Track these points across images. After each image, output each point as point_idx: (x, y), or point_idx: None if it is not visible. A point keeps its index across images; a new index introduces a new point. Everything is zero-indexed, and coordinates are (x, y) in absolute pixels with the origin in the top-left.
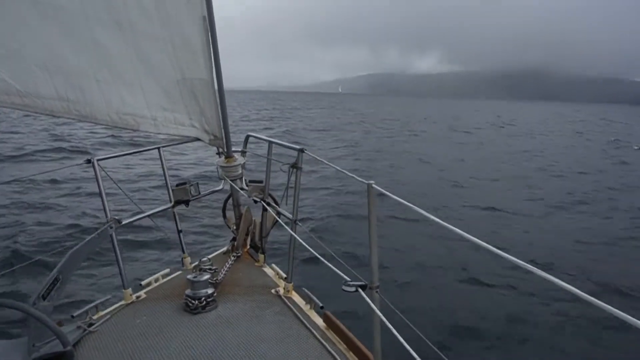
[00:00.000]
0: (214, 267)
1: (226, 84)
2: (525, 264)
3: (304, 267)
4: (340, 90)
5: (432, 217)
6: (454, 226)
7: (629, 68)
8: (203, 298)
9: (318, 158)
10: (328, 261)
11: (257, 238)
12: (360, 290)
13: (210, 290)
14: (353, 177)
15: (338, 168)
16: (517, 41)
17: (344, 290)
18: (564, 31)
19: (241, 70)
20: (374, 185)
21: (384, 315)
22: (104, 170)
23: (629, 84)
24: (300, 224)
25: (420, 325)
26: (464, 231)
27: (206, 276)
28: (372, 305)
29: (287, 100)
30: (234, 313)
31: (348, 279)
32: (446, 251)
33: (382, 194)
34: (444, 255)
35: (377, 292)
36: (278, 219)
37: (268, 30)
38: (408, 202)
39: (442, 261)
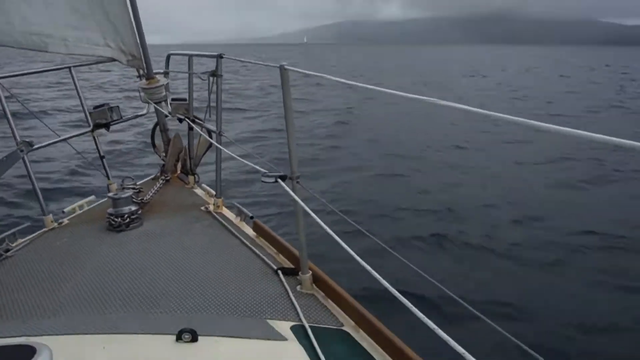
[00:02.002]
0: (138, 186)
1: (190, 38)
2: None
3: (236, 187)
4: (305, 40)
5: (348, 81)
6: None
7: (600, 9)
8: (126, 215)
9: (240, 60)
10: (254, 166)
11: (188, 165)
12: (279, 180)
13: (134, 207)
14: (265, 64)
15: (252, 61)
16: None
17: (263, 182)
18: None
19: (205, 24)
20: (286, 67)
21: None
22: (8, 91)
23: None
24: (226, 136)
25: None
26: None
27: (128, 193)
28: (293, 194)
29: (253, 54)
30: (160, 229)
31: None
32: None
33: (296, 72)
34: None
35: (297, 182)
36: (211, 140)
37: None
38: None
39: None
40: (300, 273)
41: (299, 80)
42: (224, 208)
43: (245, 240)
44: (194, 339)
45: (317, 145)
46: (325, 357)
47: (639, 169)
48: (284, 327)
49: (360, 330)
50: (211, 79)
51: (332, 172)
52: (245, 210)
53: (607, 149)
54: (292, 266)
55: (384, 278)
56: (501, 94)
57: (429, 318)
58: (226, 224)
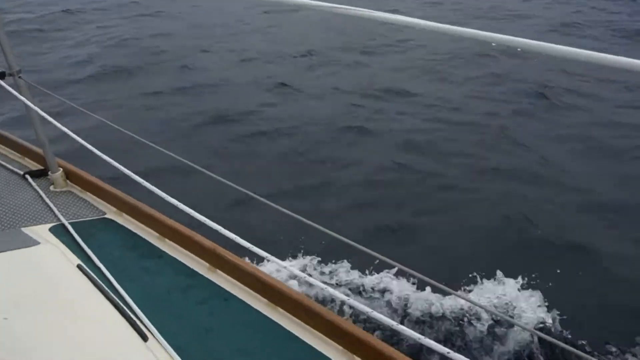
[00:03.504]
0: None
1: None
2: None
3: None
4: None
5: None
6: None
7: None
8: None
9: None
10: None
11: None
12: None
13: None
14: None
15: None
16: None
17: None
18: None
19: None
20: None
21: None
22: None
23: None
24: None
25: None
26: None
27: None
28: (17, 94)
29: None
30: None
31: None
32: None
33: None
34: None
35: (19, 77)
36: None
37: None
38: None
39: None
40: (49, 172)
41: None
42: None
43: None
44: None
45: None
46: (90, 248)
47: None
48: (41, 231)
49: (124, 214)
50: None
51: None
52: None
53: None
54: (40, 167)
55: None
56: None
57: None
58: None
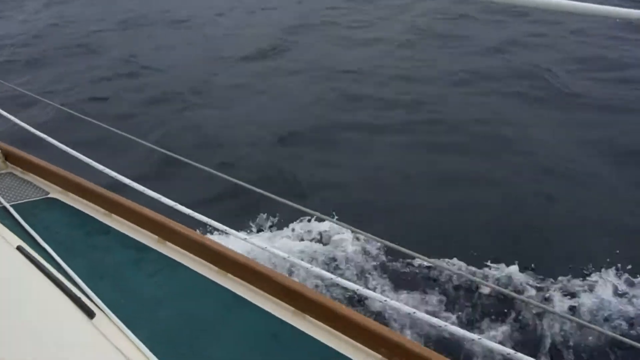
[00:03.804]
0: None
1: None
2: None
3: None
4: None
5: None
6: None
7: None
8: None
9: None
10: None
11: None
12: None
13: None
14: None
15: None
16: None
17: None
18: None
19: None
20: None
21: None
22: None
23: None
24: None
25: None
26: None
27: None
28: None
29: None
30: None
31: None
32: None
33: None
34: None
35: None
36: None
37: None
38: None
39: None
40: None
41: None
42: None
43: None
44: None
45: None
46: (34, 229)
47: None
48: None
49: (69, 193)
50: None
51: None
52: None
53: None
54: None
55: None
56: None
57: None
58: None
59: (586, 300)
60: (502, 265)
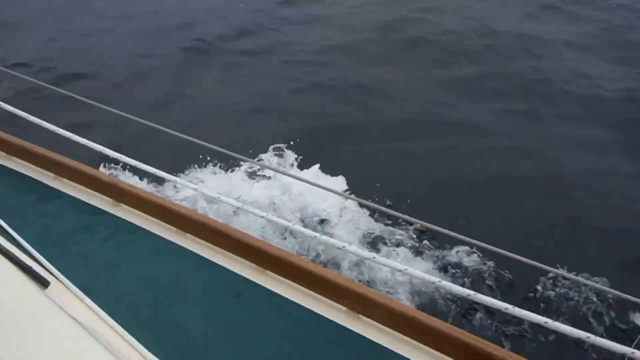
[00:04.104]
0: None
1: None
2: None
3: None
4: None
5: None
6: None
7: None
8: None
9: None
10: None
11: None
12: None
13: None
14: None
15: None
16: None
17: None
18: None
19: None
20: None
21: None
22: None
23: None
24: None
25: None
26: None
27: None
28: None
29: None
30: None
31: None
32: None
33: None
34: None
35: None
36: None
37: None
38: None
39: None
40: None
41: None
42: None
43: None
44: None
45: None
46: None
47: None
48: None
49: (13, 158)
50: None
51: None
52: None
53: None
54: None
55: None
56: None
57: None
58: None
59: None
60: None
